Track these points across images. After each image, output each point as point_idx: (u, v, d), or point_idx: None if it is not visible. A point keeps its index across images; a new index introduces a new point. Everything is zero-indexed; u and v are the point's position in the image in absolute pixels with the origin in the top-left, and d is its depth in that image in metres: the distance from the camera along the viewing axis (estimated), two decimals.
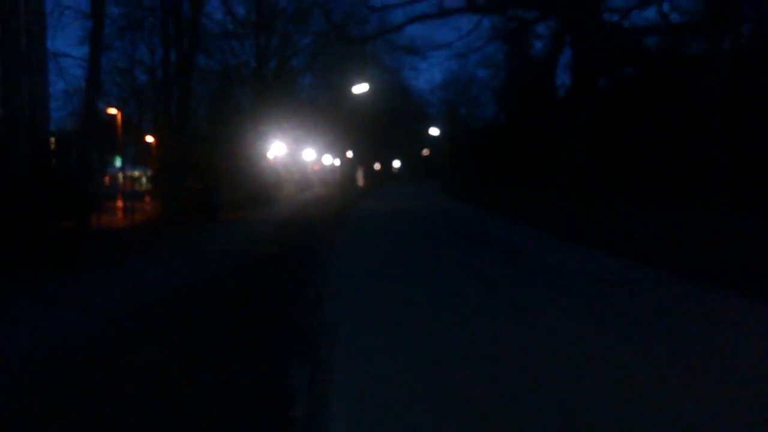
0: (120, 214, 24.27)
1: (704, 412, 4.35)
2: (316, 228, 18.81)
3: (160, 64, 24.93)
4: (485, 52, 58.01)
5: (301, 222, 21.06)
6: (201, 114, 30.81)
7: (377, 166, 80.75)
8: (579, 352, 5.77)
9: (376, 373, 5.31)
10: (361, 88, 33.37)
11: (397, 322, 7.09)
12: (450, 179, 60.93)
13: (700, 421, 4.21)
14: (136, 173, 39.73)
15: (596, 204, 21.93)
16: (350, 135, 48.62)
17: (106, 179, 35.75)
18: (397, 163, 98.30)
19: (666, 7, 33.78)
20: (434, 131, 64.72)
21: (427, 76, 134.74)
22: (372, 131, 54.81)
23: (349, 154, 55.08)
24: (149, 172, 34.34)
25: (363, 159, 64.65)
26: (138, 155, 35.89)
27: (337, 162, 56.84)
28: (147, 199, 30.35)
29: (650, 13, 64.09)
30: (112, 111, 28.79)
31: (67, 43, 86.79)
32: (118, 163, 33.20)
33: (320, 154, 55.68)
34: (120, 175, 34.52)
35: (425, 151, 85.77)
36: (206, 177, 23.13)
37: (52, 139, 17.95)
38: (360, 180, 63.73)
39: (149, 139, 31.68)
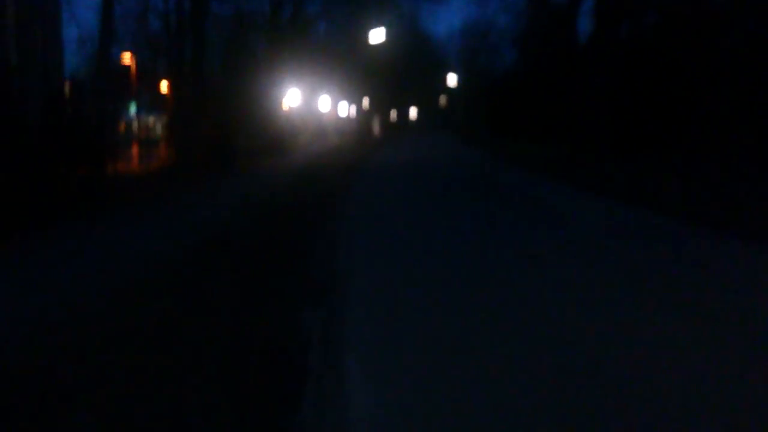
0: (135, 161, 24.31)
1: (717, 363, 4.31)
2: (332, 177, 18.74)
3: (174, 11, 24.59)
4: None
5: (317, 171, 20.99)
6: (215, 62, 30.45)
7: (393, 115, 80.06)
8: (589, 299, 5.74)
9: (388, 318, 5.33)
10: (377, 35, 32.78)
11: (409, 272, 7.10)
12: (467, 129, 60.39)
13: (709, 371, 4.18)
14: (151, 120, 39.56)
15: (616, 156, 21.64)
16: (366, 84, 48.11)
17: (121, 126, 35.70)
18: (413, 113, 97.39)
19: None
20: (452, 79, 63.80)
21: (445, 23, 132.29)
22: (388, 80, 54.14)
23: (366, 103, 54.57)
24: (164, 120, 34.23)
25: (379, 108, 64.04)
26: (153, 103, 35.69)
27: (353, 111, 56.39)
28: (162, 146, 30.33)
29: None
30: (126, 58, 28.54)
31: None
32: (132, 110, 33.07)
33: (336, 104, 55.19)
34: (135, 123, 34.43)
35: (442, 100, 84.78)
36: (221, 125, 23.01)
37: (67, 86, 17.87)
38: (376, 129, 63.26)
39: (164, 86, 31.46)
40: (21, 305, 5.96)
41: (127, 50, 27.83)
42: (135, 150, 25.93)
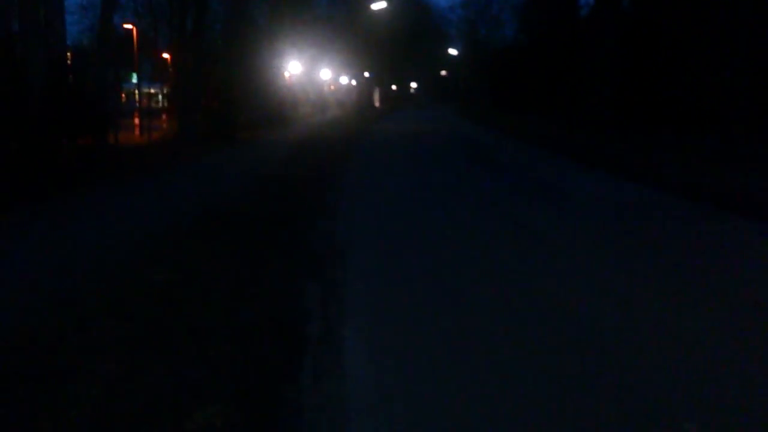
0: (137, 131, 24.35)
1: (710, 332, 4.48)
2: (333, 149, 18.81)
3: None
4: None
5: (318, 143, 21.05)
6: (217, 32, 30.24)
7: (394, 87, 79.68)
8: (584, 273, 5.90)
9: (386, 288, 5.51)
10: (379, 4, 32.52)
11: (406, 244, 7.29)
12: (468, 102, 60.14)
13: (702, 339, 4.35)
14: (152, 90, 39.40)
15: (618, 131, 21.65)
16: (367, 55, 47.82)
17: (122, 96, 35.61)
18: (414, 85, 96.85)
19: None
20: (453, 52, 63.38)
21: None
22: (389, 52, 53.82)
23: (366, 75, 54.30)
24: (165, 90, 34.12)
25: (380, 80, 63.74)
26: (154, 72, 35.54)
27: (354, 83, 56.13)
28: (164, 116, 30.32)
29: None
30: (128, 26, 28.43)
31: None
32: (134, 79, 32.95)
33: (337, 75, 54.91)
34: (136, 92, 34.32)
35: (443, 73, 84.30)
36: (223, 96, 23.00)
37: (69, 55, 17.83)
38: (377, 101, 63.02)
39: (165, 56, 31.36)
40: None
41: (129, 19, 27.68)
42: (136, 120, 25.94)
